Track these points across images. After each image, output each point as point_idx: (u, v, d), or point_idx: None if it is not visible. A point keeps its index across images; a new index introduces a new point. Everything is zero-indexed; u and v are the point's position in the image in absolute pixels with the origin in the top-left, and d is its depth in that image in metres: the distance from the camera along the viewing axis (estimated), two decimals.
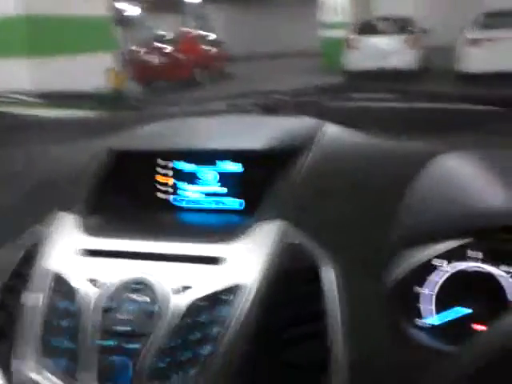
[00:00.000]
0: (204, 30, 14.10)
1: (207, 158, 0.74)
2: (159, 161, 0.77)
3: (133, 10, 18.63)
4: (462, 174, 0.65)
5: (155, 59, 10.88)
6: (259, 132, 0.78)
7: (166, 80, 10.57)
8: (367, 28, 9.93)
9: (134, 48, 11.42)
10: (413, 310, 0.59)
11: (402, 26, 9.90)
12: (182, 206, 0.77)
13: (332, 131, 0.78)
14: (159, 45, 11.22)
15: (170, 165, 0.77)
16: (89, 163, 0.76)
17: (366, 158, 0.72)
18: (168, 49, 11.04)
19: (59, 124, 1.17)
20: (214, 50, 12.44)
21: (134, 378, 0.54)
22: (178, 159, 0.76)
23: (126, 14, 17.65)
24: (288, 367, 0.55)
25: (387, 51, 9.19)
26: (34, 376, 0.58)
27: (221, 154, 0.74)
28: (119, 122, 1.03)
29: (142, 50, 11.16)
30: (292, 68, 11.55)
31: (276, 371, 0.56)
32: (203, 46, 11.94)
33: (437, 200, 0.62)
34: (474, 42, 8.24)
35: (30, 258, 0.66)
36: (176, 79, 10.35)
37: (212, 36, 13.38)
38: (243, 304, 0.55)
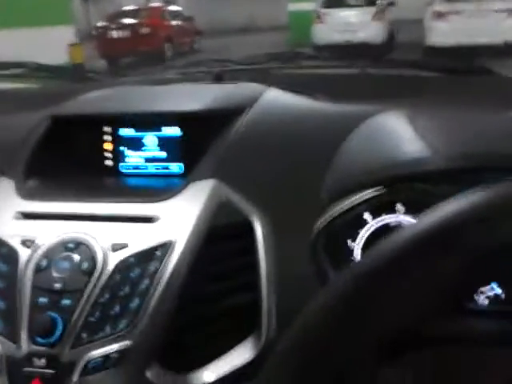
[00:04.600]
0: (169, 4, 13.77)
1: (148, 123, 0.75)
2: (101, 127, 0.77)
3: None
4: (388, 131, 0.68)
5: (120, 34, 10.62)
6: (201, 97, 0.79)
7: (133, 55, 10.36)
8: (335, 1, 9.87)
9: (99, 23, 11.12)
10: (344, 262, 0.62)
11: None
12: (124, 171, 0.78)
13: (272, 95, 0.79)
14: (124, 20, 10.94)
15: (112, 130, 0.77)
16: (31, 130, 0.76)
17: (301, 118, 0.74)
18: (132, 23, 10.78)
19: (4, 95, 1.15)
20: (181, 24, 12.21)
21: (64, 333, 0.55)
22: (120, 125, 0.77)
23: None
24: (218, 318, 0.58)
25: (355, 24, 9.19)
26: None
27: (161, 119, 0.75)
28: (67, 93, 1.03)
29: (108, 25, 10.88)
30: (261, 42, 11.44)
31: (205, 323, 0.58)
32: (169, 21, 11.71)
33: (363, 155, 0.65)
34: (439, 15, 8.30)
35: None
36: (143, 54, 10.14)
37: (177, 9, 13.10)
38: (173, 259, 0.57)
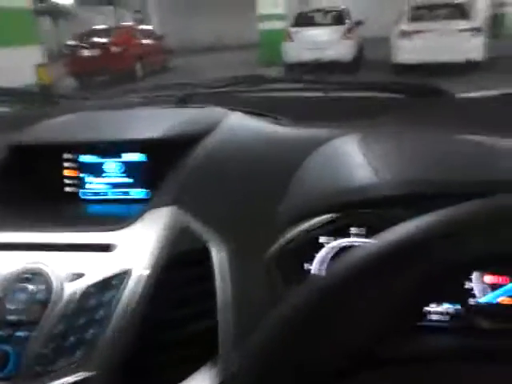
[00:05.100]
0: (140, 23, 13.80)
1: (112, 149, 0.75)
2: (64, 154, 0.77)
3: (65, 1, 17.93)
4: (343, 156, 0.69)
5: (90, 53, 10.56)
6: (164, 122, 0.79)
7: (104, 74, 10.29)
8: (304, 20, 10.05)
9: (69, 42, 11.04)
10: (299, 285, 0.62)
11: (338, 17, 10.10)
12: (85, 197, 0.77)
13: (235, 119, 0.80)
14: (94, 38, 10.89)
15: (76, 158, 0.77)
16: None
17: (261, 143, 0.75)
18: (102, 41, 10.74)
19: None
20: (152, 42, 12.22)
21: (18, 366, 0.54)
22: (81, 152, 0.76)
23: (57, 5, 16.96)
24: (176, 346, 0.57)
25: (324, 42, 9.36)
26: None
27: (125, 145, 0.75)
28: (28, 119, 1.02)
29: (78, 44, 10.80)
30: (232, 61, 11.54)
31: (163, 350, 0.57)
32: (141, 39, 11.71)
33: (318, 181, 0.66)
34: (405, 34, 8.54)
35: None
36: (114, 73, 10.09)
37: (148, 28, 13.12)
38: (130, 287, 0.57)
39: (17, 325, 0.56)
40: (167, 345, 0.57)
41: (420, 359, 0.55)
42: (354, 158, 0.67)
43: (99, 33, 11.13)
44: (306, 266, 0.62)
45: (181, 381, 0.56)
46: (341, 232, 0.62)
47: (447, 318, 0.59)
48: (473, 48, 8.14)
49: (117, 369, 0.55)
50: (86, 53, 10.60)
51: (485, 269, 0.57)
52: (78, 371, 0.54)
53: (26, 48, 5.90)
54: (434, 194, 0.58)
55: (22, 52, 5.79)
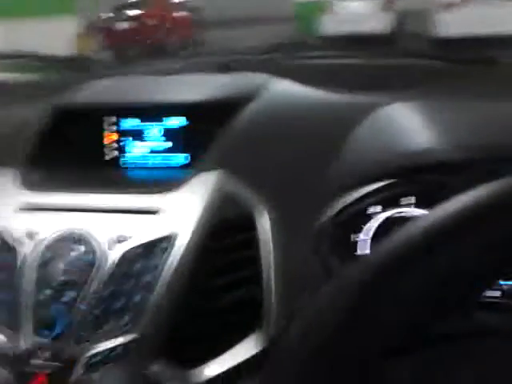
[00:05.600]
0: None
1: (152, 113, 0.74)
2: (103, 118, 0.76)
3: None
4: (398, 122, 0.67)
5: (126, 25, 10.59)
6: (206, 87, 0.78)
7: (139, 46, 10.32)
8: None
9: (105, 15, 11.10)
10: (350, 256, 0.61)
11: None
12: (128, 162, 0.77)
13: (278, 85, 0.78)
14: (130, 11, 10.91)
15: (116, 121, 0.76)
16: (32, 121, 0.75)
17: (307, 109, 0.73)
18: (138, 14, 10.75)
19: (4, 86, 1.15)
20: (188, 15, 12.15)
21: (68, 327, 0.55)
22: (122, 116, 0.76)
23: None
24: (221, 313, 0.57)
25: (362, 15, 9.11)
26: None
27: (165, 109, 0.73)
28: (69, 83, 1.02)
29: (113, 17, 10.84)
30: (267, 33, 11.38)
31: (209, 317, 0.57)
32: (175, 12, 11.65)
33: (372, 146, 0.64)
34: (447, 6, 8.21)
35: None
36: (148, 45, 10.12)
37: (183, 0, 13.03)
38: (177, 252, 0.56)
39: (66, 286, 0.56)
40: (213, 311, 0.57)
41: (472, 336, 0.53)
42: (410, 124, 0.64)
43: (134, 5, 11.14)
44: (353, 237, 0.61)
45: (228, 348, 0.56)
46: (390, 202, 0.60)
47: (499, 293, 0.56)
48: None
49: (163, 334, 0.55)
50: (121, 26, 10.64)
51: None
52: (126, 334, 0.54)
53: (64, 19, 5.96)
54: (489, 159, 0.55)
55: (60, 22, 5.86)
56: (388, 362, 0.33)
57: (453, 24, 7.98)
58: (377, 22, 9.05)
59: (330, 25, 9.28)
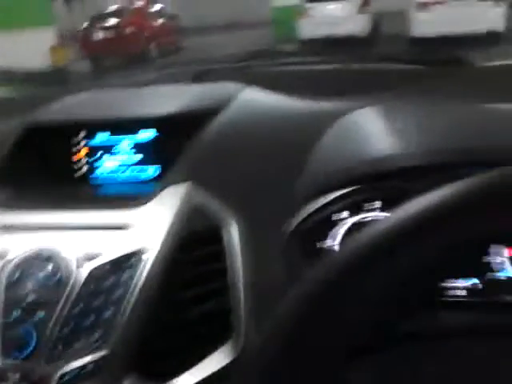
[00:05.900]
0: (153, 3, 13.70)
1: (122, 127, 0.74)
2: (74, 134, 0.76)
3: None
4: (364, 128, 0.67)
5: (104, 35, 10.54)
6: (177, 98, 0.78)
7: (117, 56, 10.27)
8: None
9: (83, 25, 11.03)
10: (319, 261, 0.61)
11: None
12: (98, 178, 0.76)
13: (249, 94, 0.78)
14: (107, 20, 10.86)
15: (85, 137, 0.76)
16: (3, 139, 0.74)
17: (277, 118, 0.73)
18: (116, 23, 10.70)
19: None
20: (165, 22, 12.13)
21: (38, 347, 0.54)
22: (93, 131, 0.75)
23: None
24: (191, 325, 0.57)
25: (338, 18, 9.19)
26: None
27: (135, 122, 0.73)
28: (40, 99, 1.01)
29: (91, 26, 10.78)
30: (246, 39, 11.42)
31: (179, 330, 0.57)
32: (154, 20, 11.63)
33: (337, 154, 0.64)
34: (423, 6, 8.32)
35: None
36: (126, 55, 10.07)
37: (161, 8, 13.00)
38: (147, 266, 0.56)
39: (35, 306, 0.56)
40: (183, 324, 0.57)
41: (437, 335, 0.54)
42: (375, 129, 0.65)
43: (112, 14, 11.09)
44: (320, 243, 0.61)
45: (199, 360, 0.56)
46: (356, 207, 0.60)
47: (464, 292, 0.57)
48: (494, 18, 7.90)
49: (134, 349, 0.55)
50: (99, 35, 10.58)
51: (503, 242, 0.55)
52: (97, 351, 0.54)
53: (39, 30, 5.89)
54: (452, 164, 0.56)
55: (36, 34, 5.78)
56: (353, 363, 0.33)
57: (429, 24, 8.09)
58: (354, 24, 9.14)
59: (308, 28, 9.35)
